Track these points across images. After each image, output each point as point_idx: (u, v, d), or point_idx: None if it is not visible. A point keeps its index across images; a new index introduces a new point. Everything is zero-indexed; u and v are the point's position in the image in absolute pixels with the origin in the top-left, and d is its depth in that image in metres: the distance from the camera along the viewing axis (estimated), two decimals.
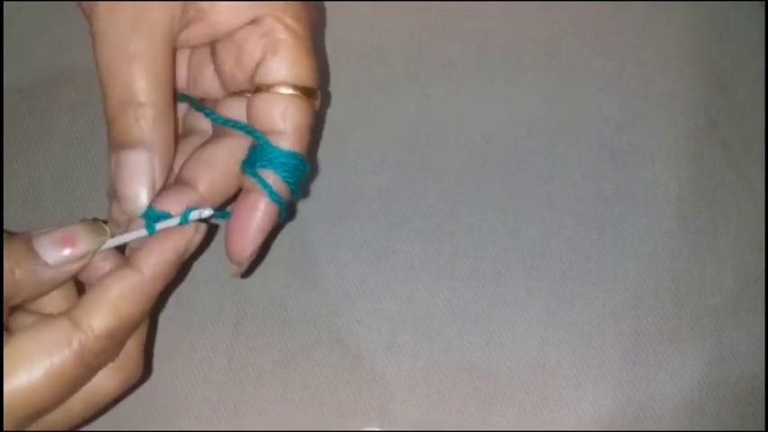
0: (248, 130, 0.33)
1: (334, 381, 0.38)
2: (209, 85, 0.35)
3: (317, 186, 0.41)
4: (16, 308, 0.32)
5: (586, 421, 0.38)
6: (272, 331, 0.39)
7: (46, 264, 0.30)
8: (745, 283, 0.39)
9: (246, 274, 0.38)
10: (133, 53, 0.31)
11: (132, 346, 0.33)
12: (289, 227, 0.40)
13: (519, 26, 0.43)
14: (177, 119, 0.35)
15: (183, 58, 0.36)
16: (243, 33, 0.32)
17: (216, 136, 0.35)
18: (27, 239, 0.30)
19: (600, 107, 0.42)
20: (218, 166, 0.33)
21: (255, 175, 0.32)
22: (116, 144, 0.32)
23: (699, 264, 0.40)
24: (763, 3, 0.43)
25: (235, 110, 0.34)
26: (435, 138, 0.42)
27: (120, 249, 0.33)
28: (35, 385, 0.29)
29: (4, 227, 0.40)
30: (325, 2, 0.43)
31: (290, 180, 0.32)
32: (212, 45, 0.34)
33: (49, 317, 0.30)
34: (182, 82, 0.36)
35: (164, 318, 0.39)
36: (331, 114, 0.42)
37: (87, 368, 0.30)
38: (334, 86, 0.42)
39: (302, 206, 0.41)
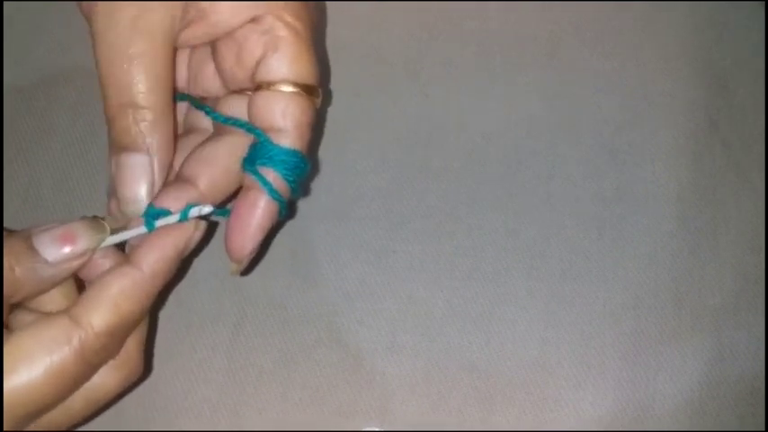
0: (249, 127, 0.33)
1: (334, 381, 0.38)
2: (209, 83, 0.35)
3: (317, 186, 0.41)
4: (16, 306, 0.32)
5: (586, 421, 0.38)
6: (272, 331, 0.39)
7: (46, 261, 0.30)
8: (745, 283, 0.39)
9: (246, 271, 0.38)
10: (133, 54, 0.31)
11: (132, 344, 0.33)
12: (289, 226, 0.40)
13: (519, 26, 0.43)
14: (177, 119, 0.35)
15: (183, 58, 0.36)
16: (243, 32, 0.32)
17: (216, 134, 0.35)
18: (27, 237, 0.30)
19: (600, 107, 0.42)
20: (218, 163, 0.33)
21: (256, 173, 0.32)
22: (116, 146, 0.32)
23: (699, 264, 0.40)
24: (763, 3, 0.43)
25: (235, 108, 0.34)
26: (435, 138, 0.42)
27: (120, 247, 0.33)
28: (35, 383, 0.29)
29: (4, 227, 0.40)
30: (326, 1, 0.43)
31: (291, 178, 0.32)
32: (213, 44, 0.34)
33: (48, 315, 0.30)
34: (182, 81, 0.36)
35: (164, 317, 0.39)
36: (331, 114, 0.42)
37: (88, 366, 0.30)
38: (335, 86, 0.42)
39: (302, 206, 0.41)
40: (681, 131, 0.42)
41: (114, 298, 0.30)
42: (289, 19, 0.32)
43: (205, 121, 0.36)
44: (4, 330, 0.30)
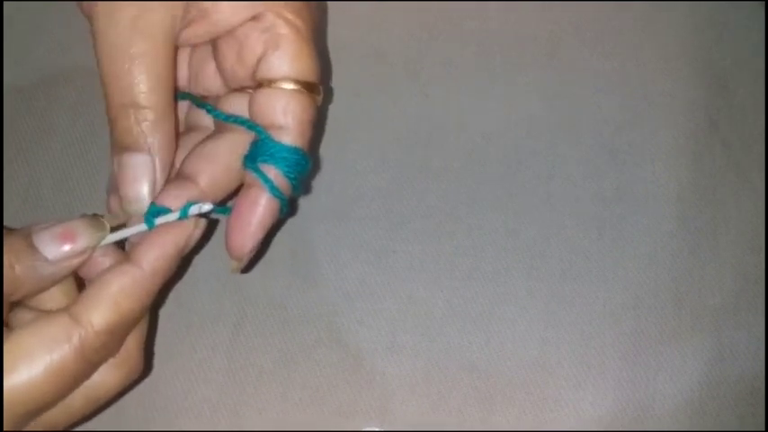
0: (250, 124, 0.33)
1: (334, 381, 0.38)
2: (210, 82, 0.35)
3: (317, 186, 0.41)
4: (16, 304, 0.32)
5: (586, 421, 0.38)
6: (272, 331, 0.39)
7: (46, 259, 0.30)
8: (745, 283, 0.39)
9: (247, 269, 0.37)
10: (134, 54, 0.31)
11: (132, 343, 0.33)
12: (289, 226, 0.40)
13: (519, 26, 0.43)
14: (178, 118, 0.35)
15: (184, 57, 0.36)
16: (244, 30, 0.32)
17: (217, 132, 0.35)
18: (27, 235, 0.30)
19: (600, 107, 0.42)
20: (219, 160, 0.33)
21: (257, 170, 0.32)
22: (118, 146, 0.32)
23: (699, 264, 0.40)
24: (763, 3, 0.43)
25: (237, 106, 0.34)
26: (435, 138, 0.42)
27: (120, 245, 0.33)
28: (35, 381, 0.29)
29: (4, 227, 0.40)
30: (326, 1, 0.43)
31: (292, 175, 0.32)
32: (213, 42, 0.34)
33: (49, 313, 0.30)
34: (183, 80, 0.36)
35: (164, 317, 0.39)
36: (331, 114, 0.42)
37: (88, 364, 0.30)
38: (335, 86, 0.42)
39: (302, 206, 0.41)
40: (681, 131, 0.42)
41: (114, 296, 0.30)
42: (289, 16, 0.32)
43: (206, 120, 0.36)
44: (5, 329, 0.30)
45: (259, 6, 0.32)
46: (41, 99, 0.42)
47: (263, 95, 0.32)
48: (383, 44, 0.43)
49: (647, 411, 0.38)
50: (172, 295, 0.39)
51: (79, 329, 0.29)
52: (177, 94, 0.35)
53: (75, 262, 0.31)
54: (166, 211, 0.32)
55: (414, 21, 0.43)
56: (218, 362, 0.38)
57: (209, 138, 0.35)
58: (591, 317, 0.39)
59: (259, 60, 0.32)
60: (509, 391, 0.38)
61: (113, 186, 0.33)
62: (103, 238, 0.32)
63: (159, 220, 0.32)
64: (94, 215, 0.32)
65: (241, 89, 0.34)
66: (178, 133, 0.34)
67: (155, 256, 0.31)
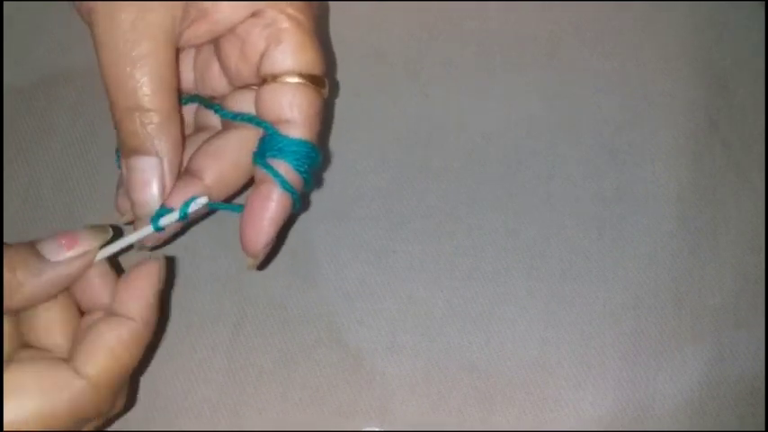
0: (257, 121, 0.33)
1: (334, 381, 0.38)
2: (216, 82, 0.35)
3: (317, 186, 0.41)
4: (23, 335, 0.32)
5: (586, 421, 0.38)
6: (272, 331, 0.39)
7: (48, 261, 0.30)
8: (745, 283, 0.39)
9: (262, 266, 0.38)
10: (135, 58, 0.31)
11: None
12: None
13: (519, 26, 0.43)
14: (183, 119, 0.35)
15: (188, 59, 0.36)
16: (245, 27, 0.32)
17: (225, 129, 0.35)
18: (31, 244, 0.31)
19: (600, 107, 0.42)
20: (225, 156, 0.33)
21: (267, 166, 0.32)
22: (125, 149, 0.32)
23: (699, 264, 0.40)
24: (763, 3, 0.43)
25: (243, 103, 0.34)
26: (435, 138, 0.42)
27: (114, 259, 0.33)
28: (20, 421, 0.28)
29: (5, 227, 0.40)
30: (327, 0, 0.43)
31: (302, 169, 0.32)
32: (216, 42, 0.34)
33: (50, 358, 0.31)
34: (189, 83, 0.36)
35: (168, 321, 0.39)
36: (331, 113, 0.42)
37: (78, 419, 0.30)
38: None
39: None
40: (681, 131, 0.42)
41: (113, 348, 0.30)
42: (290, 11, 0.32)
43: (214, 120, 0.36)
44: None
45: (259, 3, 0.32)
46: (41, 99, 0.42)
47: (269, 91, 0.32)
48: (383, 44, 0.43)
49: (647, 411, 0.38)
50: (172, 295, 0.39)
51: (78, 381, 0.30)
52: (185, 98, 0.36)
53: (78, 265, 0.31)
54: (170, 211, 0.32)
55: (414, 21, 0.43)
56: (218, 362, 0.38)
57: (216, 135, 0.34)
58: (591, 317, 0.39)
59: (262, 56, 0.32)
60: (509, 391, 0.38)
61: (125, 190, 0.33)
62: (106, 239, 0.32)
63: (163, 222, 0.32)
64: (101, 225, 0.32)
65: (247, 87, 0.34)
66: (184, 134, 0.34)
67: (140, 306, 0.31)
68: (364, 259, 0.40)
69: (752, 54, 0.43)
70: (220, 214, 0.39)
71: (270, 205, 0.32)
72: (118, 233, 0.33)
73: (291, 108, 0.32)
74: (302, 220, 0.40)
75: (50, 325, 0.32)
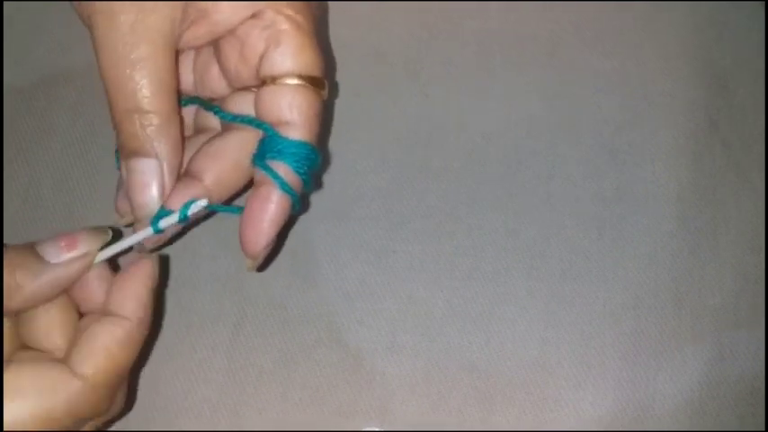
0: (256, 123, 0.33)
1: (334, 381, 0.38)
2: (216, 84, 0.35)
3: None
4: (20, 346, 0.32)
5: (586, 421, 0.38)
6: (272, 331, 0.39)
7: (48, 263, 0.30)
8: (745, 283, 0.39)
9: (262, 267, 0.38)
10: (135, 60, 0.31)
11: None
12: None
13: (519, 26, 0.43)
14: (183, 121, 0.35)
15: (187, 61, 0.36)
16: (245, 28, 0.32)
17: (225, 131, 0.35)
18: (31, 246, 0.31)
19: (600, 107, 0.42)
20: (225, 158, 0.33)
21: (266, 167, 0.32)
22: (125, 151, 0.32)
23: (699, 264, 0.40)
24: (763, 3, 0.43)
25: (242, 105, 0.34)
26: (435, 138, 0.42)
27: (114, 261, 0.33)
28: (17, 422, 0.29)
29: (5, 227, 0.40)
30: (327, 1, 0.43)
31: (302, 170, 0.32)
32: (215, 44, 0.34)
33: (47, 358, 0.31)
34: (189, 84, 0.36)
35: (164, 317, 0.39)
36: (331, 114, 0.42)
37: (76, 419, 0.30)
38: None
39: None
40: (681, 131, 0.42)
41: (108, 348, 0.30)
42: (289, 12, 0.32)
43: (214, 122, 0.36)
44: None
45: (259, 4, 0.32)
46: (41, 99, 0.42)
47: (268, 93, 0.32)
48: (383, 44, 0.43)
49: (647, 411, 0.38)
50: (172, 295, 0.39)
51: (75, 381, 0.30)
52: (184, 99, 0.36)
53: (77, 266, 0.31)
54: (169, 213, 0.32)
55: (414, 21, 0.43)
56: (218, 362, 0.38)
57: (215, 137, 0.34)
58: (591, 317, 0.39)
59: (261, 58, 0.32)
60: (509, 391, 0.38)
61: (125, 192, 0.33)
62: (106, 241, 0.32)
63: (162, 223, 0.32)
64: (101, 227, 0.32)
65: (246, 88, 0.34)
66: (184, 136, 0.34)
67: (134, 305, 0.31)
68: (364, 259, 0.40)
69: (752, 54, 0.43)
70: (220, 214, 0.38)
71: (269, 207, 0.32)
72: (117, 235, 0.33)
73: (291, 110, 0.32)
74: (302, 220, 0.40)
75: (50, 327, 0.32)
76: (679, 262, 0.40)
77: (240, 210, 0.33)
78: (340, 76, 0.42)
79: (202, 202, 0.32)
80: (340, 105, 0.42)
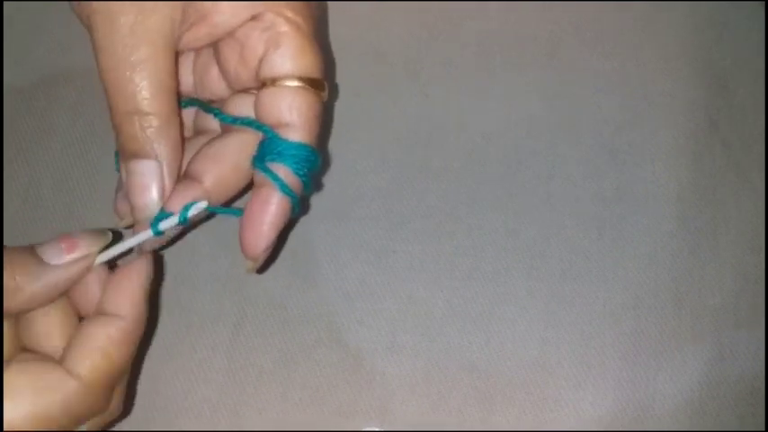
0: (256, 125, 0.33)
1: (334, 381, 0.38)
2: (215, 86, 0.35)
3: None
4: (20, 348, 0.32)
5: (586, 421, 0.38)
6: (272, 331, 0.39)
7: (48, 264, 0.30)
8: (745, 283, 0.39)
9: (262, 269, 0.38)
10: (134, 62, 0.31)
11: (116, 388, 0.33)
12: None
13: (519, 26, 0.43)
14: (183, 123, 0.35)
15: (187, 63, 0.36)
16: (244, 30, 0.32)
17: (224, 133, 0.35)
18: (31, 248, 0.31)
19: (600, 107, 0.42)
20: (225, 160, 0.33)
21: (266, 169, 0.32)
22: (125, 153, 0.32)
23: (699, 264, 0.40)
24: (763, 3, 0.43)
25: (242, 107, 0.34)
26: (435, 138, 0.42)
27: (113, 263, 0.33)
28: (14, 423, 0.29)
29: (5, 227, 0.40)
30: (327, 1, 0.43)
31: (302, 172, 0.32)
32: (215, 45, 0.34)
33: (44, 359, 0.31)
34: (188, 86, 0.36)
35: (164, 317, 0.39)
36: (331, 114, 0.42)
37: (73, 418, 0.30)
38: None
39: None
40: (681, 131, 0.42)
41: (104, 347, 0.30)
42: (289, 14, 0.32)
43: (214, 124, 0.36)
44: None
45: (258, 6, 0.32)
46: (41, 99, 0.42)
47: (268, 95, 0.32)
48: (383, 44, 0.43)
49: (647, 411, 0.38)
50: (172, 295, 0.39)
51: (71, 381, 0.30)
52: (184, 101, 0.36)
53: (77, 268, 0.31)
54: (169, 215, 0.32)
55: (414, 21, 0.43)
56: (218, 362, 0.38)
57: (215, 139, 0.34)
58: (591, 317, 0.39)
59: (261, 60, 0.32)
60: (509, 391, 0.38)
61: (125, 194, 0.33)
62: (106, 243, 0.32)
63: (162, 226, 0.32)
64: (102, 229, 0.32)
65: (246, 90, 0.34)
66: (184, 138, 0.34)
67: (130, 304, 0.31)
68: (364, 259, 0.40)
69: (752, 54, 0.43)
70: (220, 215, 0.39)
71: (269, 209, 0.32)
72: (117, 237, 0.33)
73: (291, 111, 0.32)
74: (302, 220, 0.40)
75: (49, 329, 0.32)
76: (679, 262, 0.40)
77: (240, 212, 0.33)
78: (340, 77, 0.42)
79: (202, 204, 0.32)
80: (340, 105, 0.42)
